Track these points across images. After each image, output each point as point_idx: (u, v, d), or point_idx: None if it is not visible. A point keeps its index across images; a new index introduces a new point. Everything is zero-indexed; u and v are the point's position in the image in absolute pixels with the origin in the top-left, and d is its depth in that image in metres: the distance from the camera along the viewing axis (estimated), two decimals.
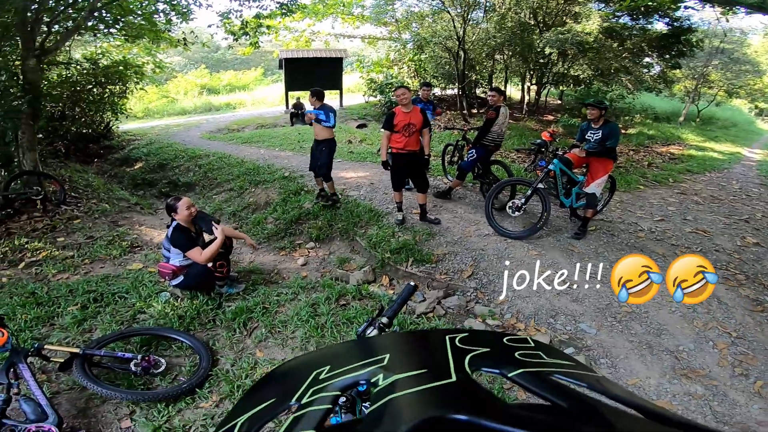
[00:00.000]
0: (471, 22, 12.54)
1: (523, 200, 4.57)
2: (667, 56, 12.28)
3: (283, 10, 9.17)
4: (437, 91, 15.13)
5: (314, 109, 4.96)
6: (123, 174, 8.58)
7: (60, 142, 9.14)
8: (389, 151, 4.69)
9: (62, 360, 2.61)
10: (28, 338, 2.97)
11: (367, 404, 0.86)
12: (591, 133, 4.51)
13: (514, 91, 16.59)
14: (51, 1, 6.11)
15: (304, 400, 0.46)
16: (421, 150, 4.63)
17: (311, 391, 0.48)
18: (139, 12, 7.31)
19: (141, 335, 3.02)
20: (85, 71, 9.16)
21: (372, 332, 1.16)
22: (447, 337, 0.57)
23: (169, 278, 3.46)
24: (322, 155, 5.09)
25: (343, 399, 0.90)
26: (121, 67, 9.48)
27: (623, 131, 12.27)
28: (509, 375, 0.46)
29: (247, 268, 4.35)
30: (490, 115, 5.08)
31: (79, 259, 4.35)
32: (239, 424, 0.48)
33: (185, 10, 7.90)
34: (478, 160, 5.33)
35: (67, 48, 8.91)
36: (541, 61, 12.32)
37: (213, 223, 3.54)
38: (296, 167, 7.08)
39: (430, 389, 0.42)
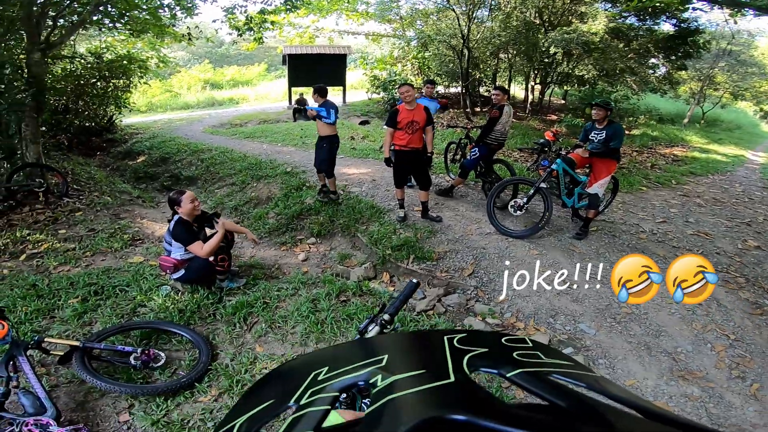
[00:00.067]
0: (476, 21, 12.47)
1: (525, 199, 4.57)
2: (674, 57, 12.20)
3: (288, 6, 9.13)
4: (440, 89, 15.09)
5: (317, 106, 4.97)
6: (125, 167, 8.59)
7: (63, 134, 9.16)
8: (392, 148, 4.69)
9: (62, 353, 2.62)
10: (28, 331, 2.98)
11: (366, 401, 0.86)
12: (595, 134, 4.49)
13: (517, 90, 16.53)
14: None
15: (302, 401, 0.46)
16: (424, 147, 4.63)
17: (310, 392, 0.48)
18: (145, 6, 7.30)
19: (141, 329, 3.02)
20: (89, 65, 9.19)
21: (374, 329, 1.16)
22: (445, 338, 0.57)
23: (170, 272, 3.48)
24: (323, 151, 5.09)
25: (343, 395, 0.90)
26: (125, 62, 9.50)
27: (627, 132, 12.20)
28: (508, 375, 0.46)
29: (248, 263, 4.35)
30: (494, 114, 5.07)
31: (81, 251, 4.36)
32: (238, 425, 0.48)
33: (190, 5, 7.90)
34: (480, 159, 5.32)
35: (72, 42, 8.92)
36: (546, 60, 12.25)
37: (214, 217, 3.56)
38: (298, 163, 7.08)
39: (429, 390, 0.42)
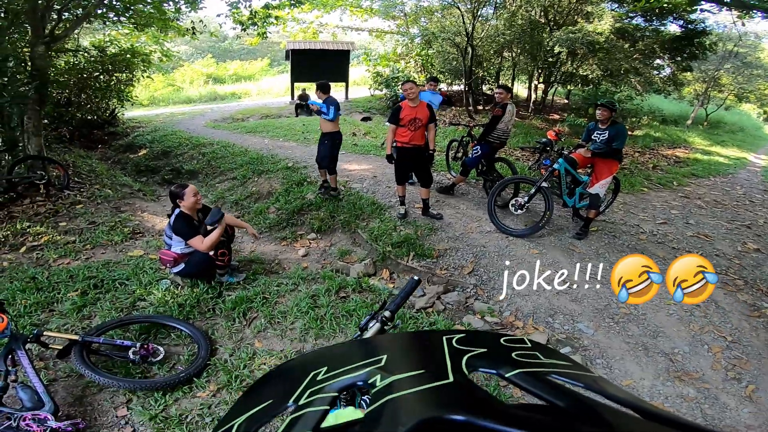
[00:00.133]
0: (480, 19, 12.43)
1: (526, 198, 4.57)
2: (679, 58, 12.16)
3: (292, 1, 9.13)
4: (444, 86, 15.06)
5: (320, 102, 4.98)
6: (127, 160, 8.59)
7: (65, 127, 9.16)
8: (394, 144, 4.68)
9: (61, 347, 2.60)
10: (27, 324, 2.97)
11: (366, 398, 0.86)
12: (597, 134, 4.47)
13: (521, 89, 16.49)
14: None
15: (301, 402, 0.46)
16: (426, 145, 4.62)
17: (309, 392, 0.48)
18: (149, 0, 7.29)
19: (140, 323, 3.02)
20: (92, 59, 9.19)
21: (374, 326, 1.16)
22: (444, 338, 0.57)
23: (170, 266, 3.48)
24: (324, 147, 5.10)
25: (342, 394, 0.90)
26: (128, 55, 9.50)
27: (630, 133, 12.18)
28: (506, 375, 0.46)
29: (248, 258, 4.36)
30: (497, 113, 5.06)
31: (81, 244, 4.36)
32: (237, 425, 0.48)
33: None
34: (482, 157, 5.32)
35: (76, 35, 8.91)
36: (550, 59, 12.22)
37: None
38: (300, 158, 7.08)
39: (428, 390, 0.42)
